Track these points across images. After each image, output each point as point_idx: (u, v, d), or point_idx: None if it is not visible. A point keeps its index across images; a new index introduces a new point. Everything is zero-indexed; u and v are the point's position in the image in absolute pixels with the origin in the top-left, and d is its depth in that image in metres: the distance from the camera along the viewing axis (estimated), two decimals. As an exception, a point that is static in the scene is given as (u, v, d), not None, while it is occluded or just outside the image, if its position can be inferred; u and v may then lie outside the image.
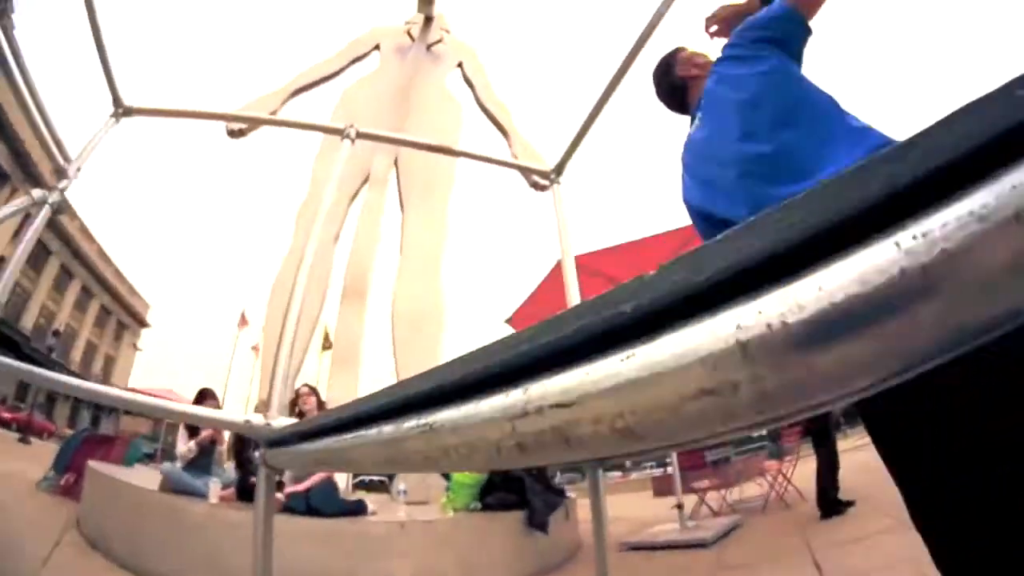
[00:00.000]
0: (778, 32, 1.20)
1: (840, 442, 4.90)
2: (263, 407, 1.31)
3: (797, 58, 1.20)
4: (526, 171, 1.88)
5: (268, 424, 1.12)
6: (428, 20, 7.56)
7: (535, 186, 1.96)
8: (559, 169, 1.75)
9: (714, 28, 1.45)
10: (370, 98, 7.00)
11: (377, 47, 7.51)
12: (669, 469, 7.24)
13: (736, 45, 1.27)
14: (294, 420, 1.18)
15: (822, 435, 4.90)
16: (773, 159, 1.13)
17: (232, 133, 5.30)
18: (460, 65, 7.46)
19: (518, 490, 3.85)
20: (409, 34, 7.64)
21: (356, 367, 6.01)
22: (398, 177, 6.65)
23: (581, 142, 1.69)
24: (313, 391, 4.80)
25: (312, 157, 6.56)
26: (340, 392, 5.76)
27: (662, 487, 9.08)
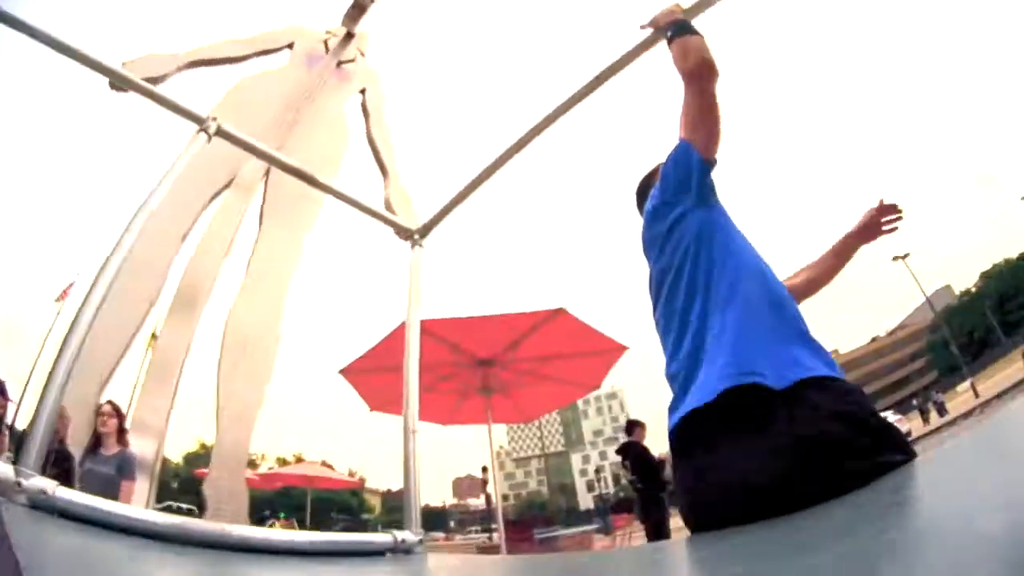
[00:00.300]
0: (674, 185, 1.26)
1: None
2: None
3: (704, 195, 1.25)
4: (390, 223, 1.69)
5: (18, 482, 0.74)
6: (349, 36, 7.28)
7: (400, 234, 1.79)
8: (424, 231, 1.58)
9: (649, 29, 1.44)
10: (263, 96, 6.46)
11: (290, 46, 7.05)
12: (495, 537, 7.10)
13: (653, 197, 1.33)
14: (50, 483, 0.80)
15: (651, 505, 5.08)
16: (671, 320, 1.18)
17: (113, 84, 4.50)
18: (363, 91, 7.20)
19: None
20: (326, 44, 7.28)
21: (171, 387, 5.18)
22: (266, 188, 6.08)
23: (453, 209, 1.55)
24: (116, 412, 4.00)
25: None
26: (148, 413, 4.90)
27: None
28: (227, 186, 5.80)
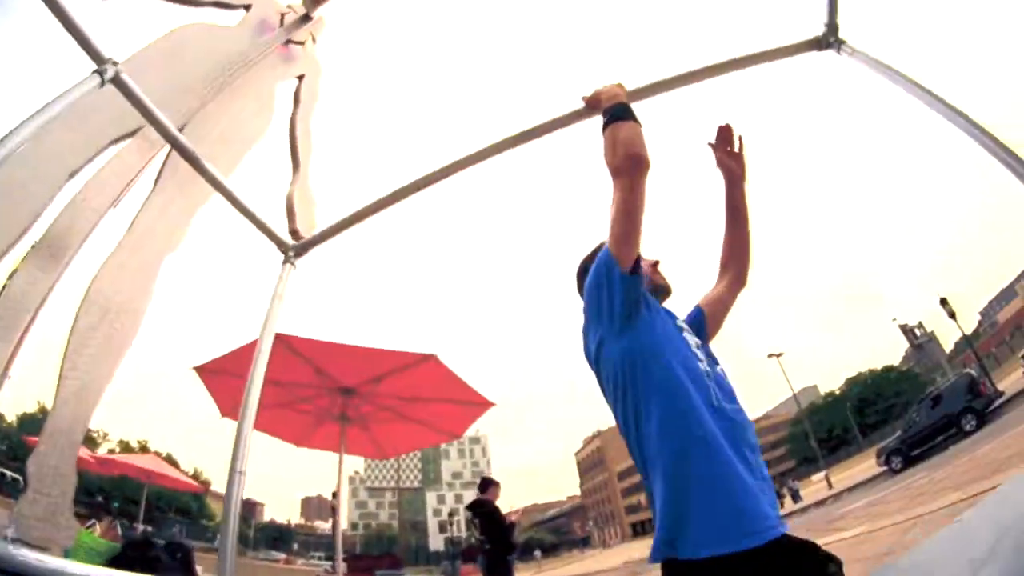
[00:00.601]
0: (595, 309, 1.22)
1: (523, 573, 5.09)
2: None
3: (625, 318, 1.18)
4: (268, 234, 1.62)
5: None
6: (306, 17, 7.05)
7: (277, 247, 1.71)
8: (300, 250, 1.53)
9: (585, 103, 1.47)
10: (199, 51, 6.04)
11: (247, 7, 6.69)
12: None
13: (583, 312, 1.30)
14: None
15: (497, 566, 5.01)
16: (631, 450, 1.16)
17: None
18: (301, 77, 6.94)
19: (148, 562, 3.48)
20: (282, 18, 6.99)
21: (12, 339, 4.54)
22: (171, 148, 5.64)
23: (335, 235, 1.51)
24: None
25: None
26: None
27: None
28: (133, 134, 5.31)
